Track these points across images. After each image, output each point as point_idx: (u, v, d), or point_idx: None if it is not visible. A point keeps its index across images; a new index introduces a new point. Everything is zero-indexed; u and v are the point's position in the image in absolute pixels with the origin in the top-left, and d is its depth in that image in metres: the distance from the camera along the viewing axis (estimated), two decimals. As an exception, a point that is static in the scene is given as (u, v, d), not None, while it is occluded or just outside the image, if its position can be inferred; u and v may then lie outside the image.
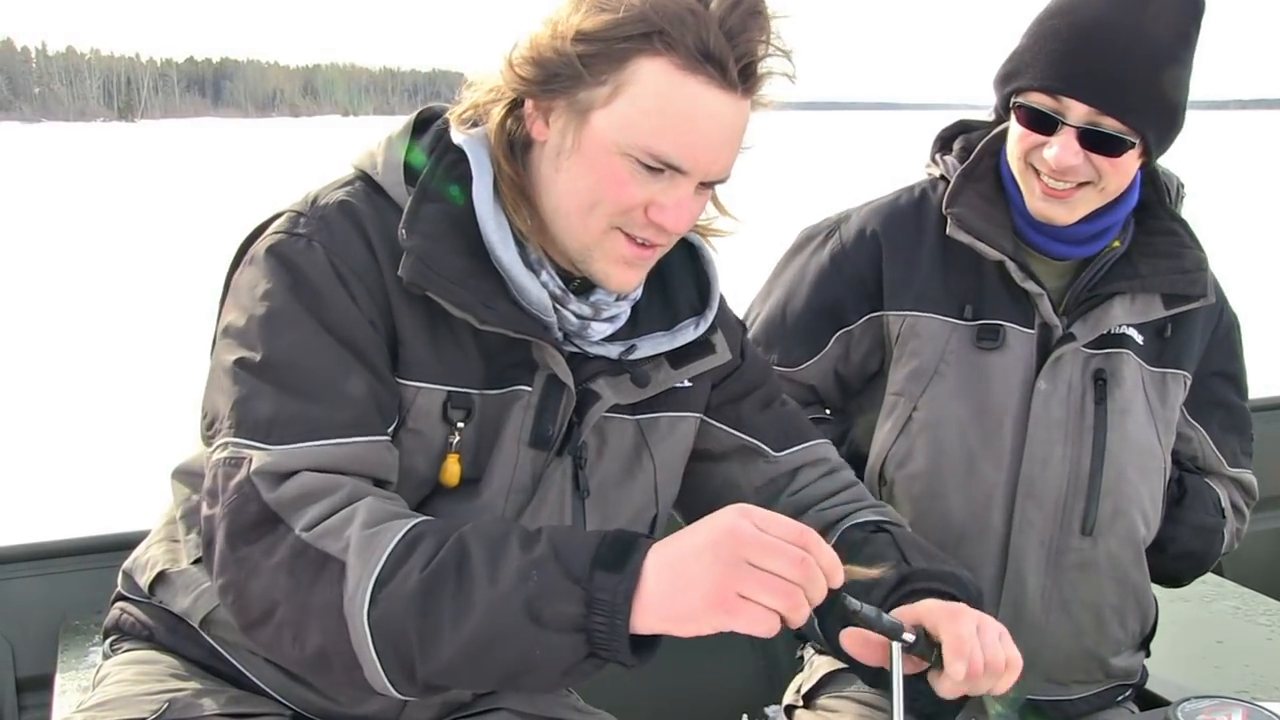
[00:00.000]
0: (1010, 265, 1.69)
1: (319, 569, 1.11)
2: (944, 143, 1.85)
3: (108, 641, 1.50)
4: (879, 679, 1.28)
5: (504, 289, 1.30)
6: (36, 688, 2.19)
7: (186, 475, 1.44)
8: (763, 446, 1.53)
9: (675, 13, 1.17)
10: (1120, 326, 1.72)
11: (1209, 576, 2.65)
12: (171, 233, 17.01)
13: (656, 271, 1.42)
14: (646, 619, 1.06)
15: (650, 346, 1.40)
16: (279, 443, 1.19)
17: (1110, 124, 1.58)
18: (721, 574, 1.03)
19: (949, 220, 1.72)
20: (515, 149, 1.31)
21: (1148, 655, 1.90)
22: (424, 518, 1.17)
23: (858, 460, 1.76)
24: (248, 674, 1.38)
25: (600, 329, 1.36)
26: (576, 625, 1.06)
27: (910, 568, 1.35)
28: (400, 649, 1.09)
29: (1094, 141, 1.59)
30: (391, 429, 1.27)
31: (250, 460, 1.18)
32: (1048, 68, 1.60)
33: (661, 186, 1.23)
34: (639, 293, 1.41)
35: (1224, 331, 1.85)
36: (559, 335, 1.34)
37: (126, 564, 1.50)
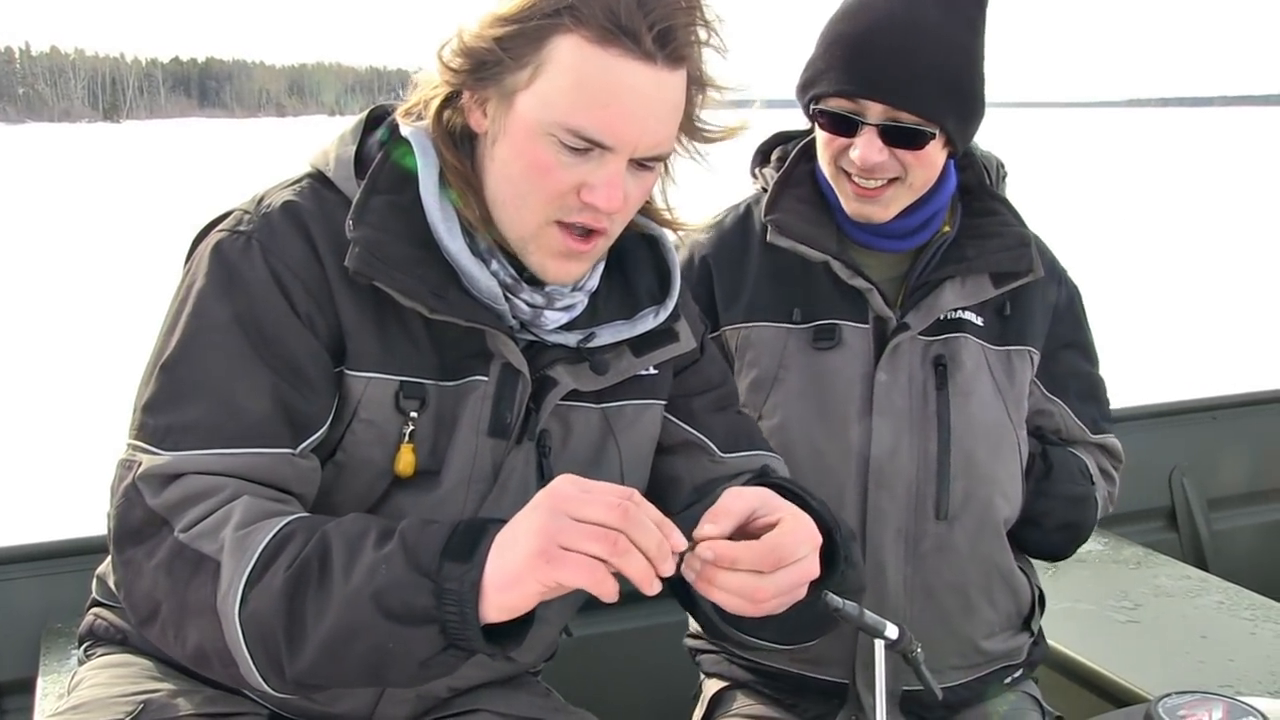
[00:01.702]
0: (835, 264, 1.71)
1: (195, 569, 1.13)
2: (763, 156, 1.87)
3: (83, 647, 1.49)
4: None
5: (454, 278, 1.30)
6: (18, 691, 2.19)
7: None
8: (710, 445, 1.52)
9: None
10: (955, 311, 1.73)
11: (1190, 571, 2.67)
12: (156, 233, 16.96)
13: (616, 261, 1.44)
14: (491, 602, 1.05)
15: (610, 335, 1.40)
16: (172, 448, 1.19)
17: (907, 118, 1.60)
18: (540, 528, 1.03)
19: (769, 228, 1.74)
20: (459, 140, 1.32)
21: (1032, 635, 1.89)
22: (298, 516, 1.17)
23: None
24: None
25: (554, 318, 1.36)
26: (427, 617, 1.06)
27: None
28: (269, 646, 1.10)
29: (894, 137, 1.61)
30: (311, 439, 1.27)
31: (139, 464, 1.19)
32: (841, 73, 1.62)
33: (590, 167, 1.23)
34: (595, 281, 1.41)
35: (1065, 304, 1.86)
36: (513, 324, 1.34)
37: (101, 568, 1.49)
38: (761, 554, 1.14)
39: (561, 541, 1.01)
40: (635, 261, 1.46)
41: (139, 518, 1.17)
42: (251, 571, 1.10)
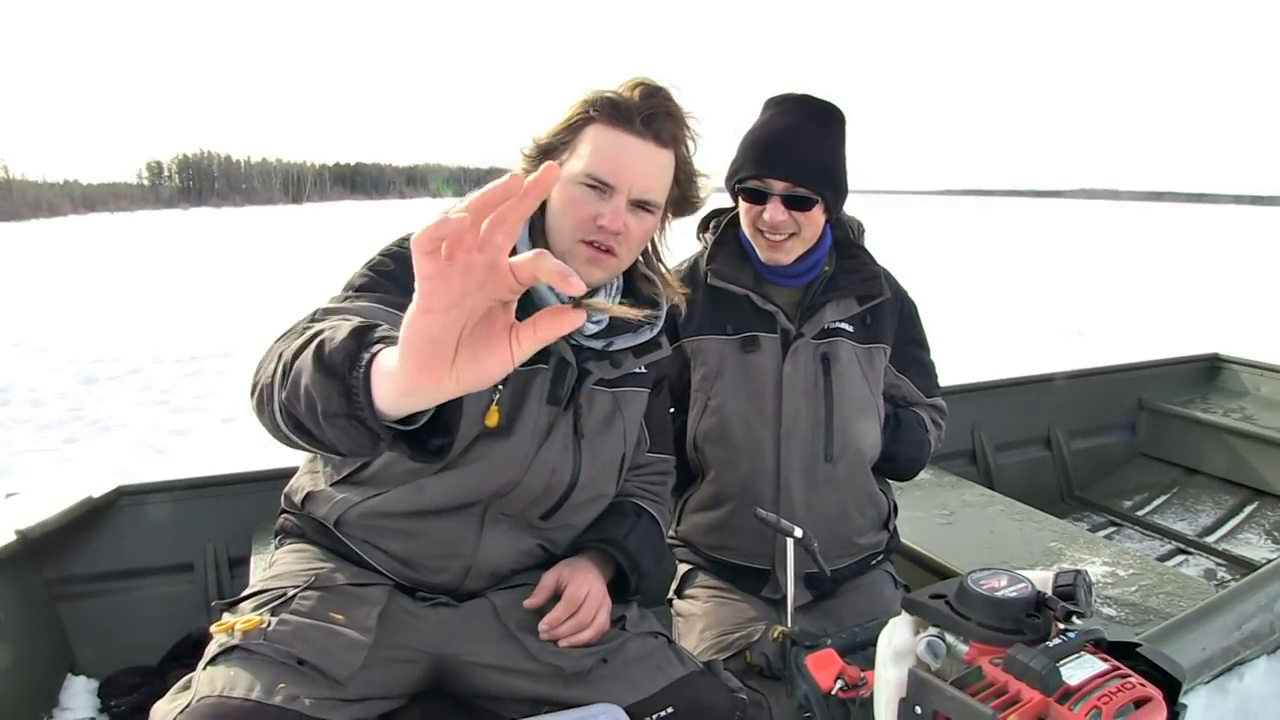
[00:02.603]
0: (753, 296, 1.70)
1: (296, 337, 0.94)
2: (704, 225, 1.85)
3: (277, 539, 1.48)
4: None
5: (530, 299, 1.30)
6: (240, 565, 2.22)
7: None
8: (647, 441, 1.54)
9: (603, 98, 1.28)
10: (833, 323, 1.72)
11: (985, 491, 2.67)
12: (325, 273, 16.92)
13: (627, 295, 1.43)
14: (378, 380, 0.76)
15: (622, 342, 1.40)
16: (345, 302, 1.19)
17: (801, 191, 1.59)
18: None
19: (709, 273, 1.74)
20: (541, 204, 1.33)
21: (889, 532, 1.88)
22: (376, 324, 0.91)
23: (680, 439, 1.77)
24: (366, 558, 1.35)
25: (591, 327, 1.37)
26: (337, 373, 0.81)
27: (594, 535, 1.41)
28: (285, 377, 0.90)
29: (792, 203, 1.60)
30: None
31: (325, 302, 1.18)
32: (755, 162, 1.61)
33: (603, 203, 1.27)
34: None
35: (906, 313, 1.85)
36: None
37: (286, 488, 1.47)
38: (564, 604, 1.29)
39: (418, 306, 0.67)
40: (637, 295, 1.46)
41: (300, 325, 1.06)
42: (311, 336, 0.89)
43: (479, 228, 0.63)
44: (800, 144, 1.59)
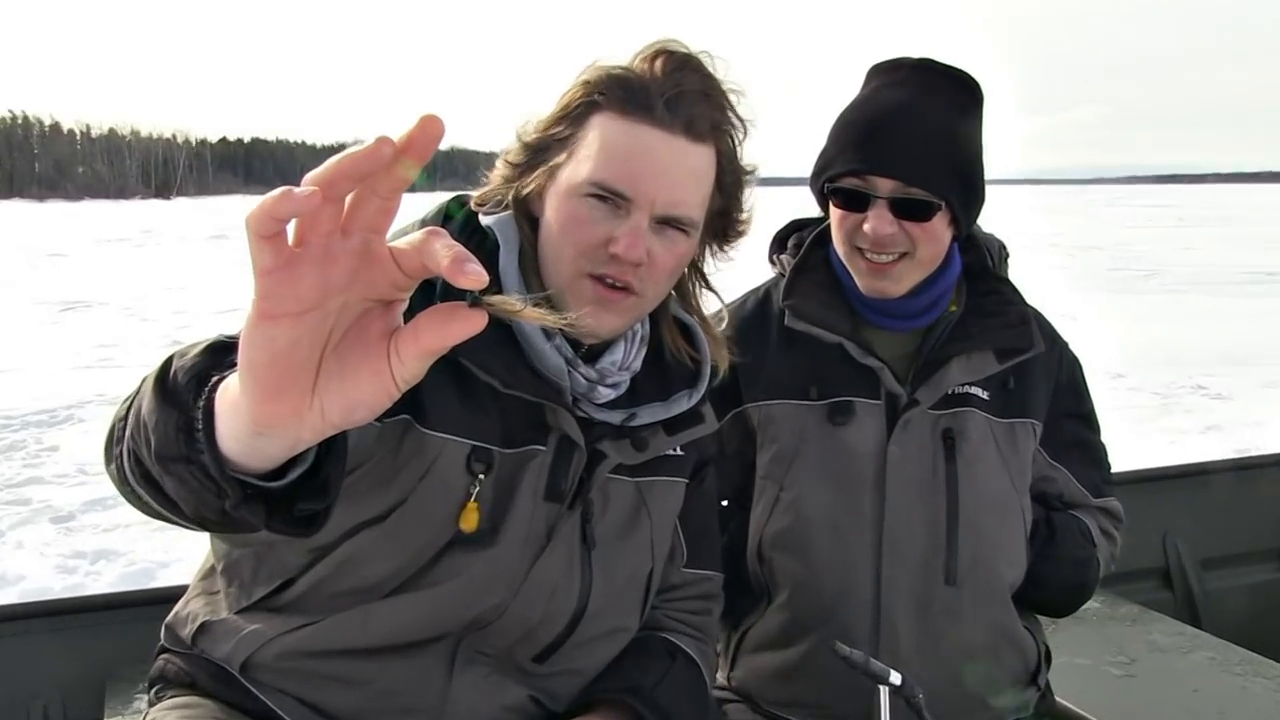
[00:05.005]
0: (849, 345, 1.72)
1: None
2: (780, 243, 1.89)
3: (153, 690, 1.50)
4: None
5: (522, 356, 1.35)
6: None
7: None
8: (684, 553, 1.59)
9: (610, 76, 1.30)
10: (961, 386, 1.73)
11: (1185, 628, 2.66)
12: (202, 299, 17.09)
13: (654, 348, 1.48)
14: (229, 412, 0.78)
15: (649, 415, 1.44)
16: None
17: (915, 192, 1.62)
18: None
19: (787, 312, 1.76)
20: (532, 224, 1.39)
21: (1039, 689, 1.88)
22: None
23: (740, 545, 1.81)
24: (280, 712, 1.37)
25: (605, 393, 1.41)
26: (180, 401, 0.85)
27: (611, 684, 1.46)
28: (133, 411, 0.94)
29: (903, 209, 1.63)
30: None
31: None
32: (852, 154, 1.64)
33: (616, 222, 1.31)
34: (639, 364, 1.45)
35: (1067, 375, 1.87)
36: (570, 400, 1.37)
37: (169, 618, 1.51)
38: None
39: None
40: (670, 349, 1.50)
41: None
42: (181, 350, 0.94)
43: (340, 202, 0.62)
44: (917, 128, 1.63)
